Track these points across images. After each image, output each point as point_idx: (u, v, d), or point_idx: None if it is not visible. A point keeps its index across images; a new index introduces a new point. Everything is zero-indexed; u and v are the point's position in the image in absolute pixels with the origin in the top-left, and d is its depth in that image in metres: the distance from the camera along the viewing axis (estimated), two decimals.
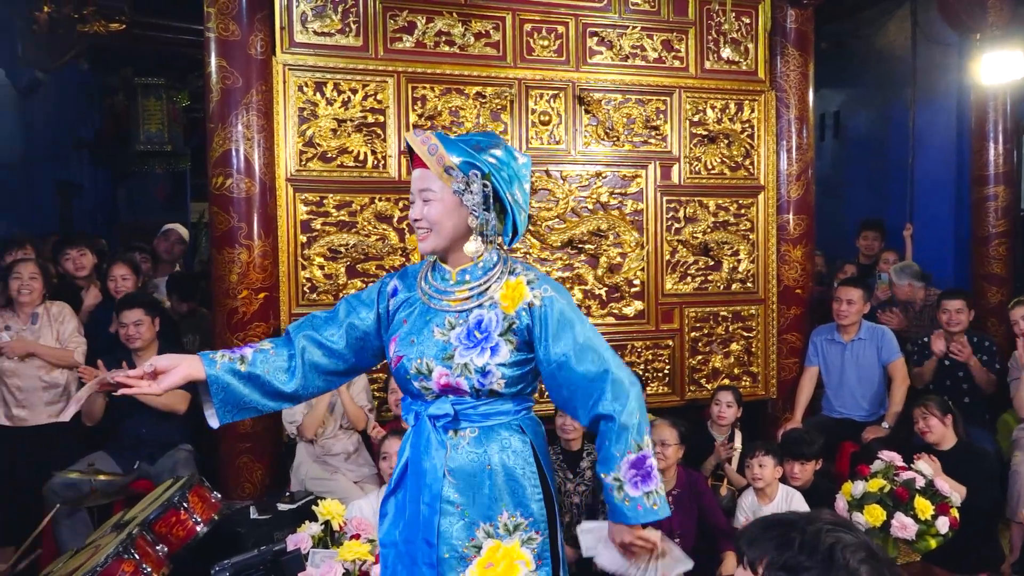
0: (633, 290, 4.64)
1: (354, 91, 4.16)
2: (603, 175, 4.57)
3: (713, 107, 4.75)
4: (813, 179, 5.00)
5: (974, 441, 4.20)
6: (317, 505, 3.11)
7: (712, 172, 4.78)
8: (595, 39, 4.55)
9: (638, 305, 4.66)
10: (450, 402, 1.95)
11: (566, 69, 4.50)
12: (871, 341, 4.68)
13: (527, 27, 4.43)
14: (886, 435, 4.38)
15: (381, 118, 4.20)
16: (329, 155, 4.14)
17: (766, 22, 4.82)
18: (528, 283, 1.96)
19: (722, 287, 4.83)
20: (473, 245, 1.94)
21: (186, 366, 1.93)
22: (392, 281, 2.11)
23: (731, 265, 4.82)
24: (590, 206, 4.55)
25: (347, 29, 4.15)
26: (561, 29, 4.49)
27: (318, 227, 4.15)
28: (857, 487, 3.55)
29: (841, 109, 8.36)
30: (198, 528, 3.07)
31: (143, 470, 3.95)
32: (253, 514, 3.59)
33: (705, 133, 4.74)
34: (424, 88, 4.27)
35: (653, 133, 4.65)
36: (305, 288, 4.14)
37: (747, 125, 4.82)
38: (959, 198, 6.38)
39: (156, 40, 6.90)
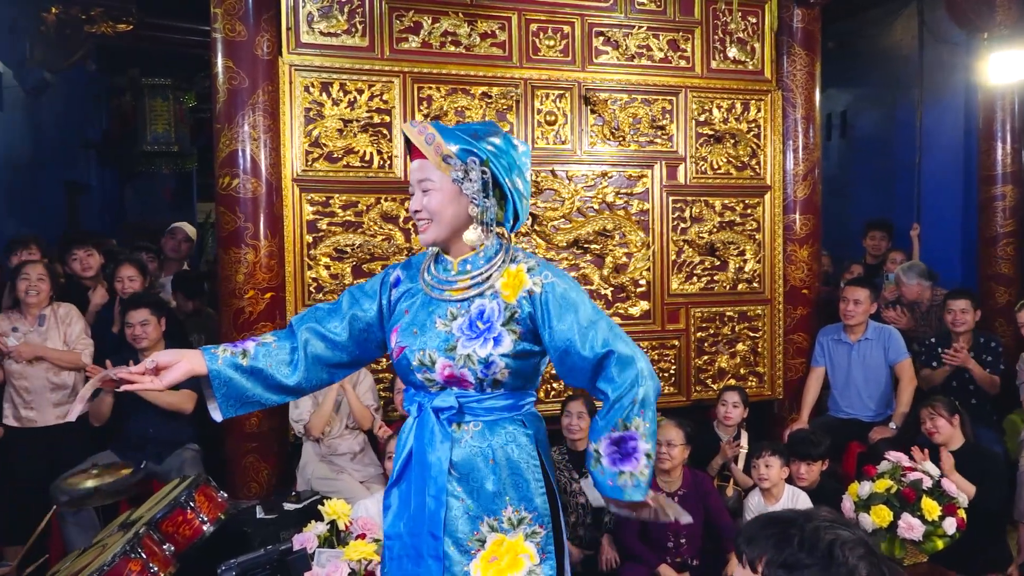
0: (639, 290, 4.64)
1: (360, 91, 4.17)
2: (609, 175, 4.56)
3: (719, 107, 4.74)
4: (820, 179, 4.99)
5: (981, 442, 4.19)
6: (323, 505, 3.12)
7: (718, 172, 4.77)
8: (601, 39, 4.55)
9: (644, 305, 4.65)
10: (455, 395, 1.94)
11: (572, 69, 4.50)
12: (878, 341, 4.66)
13: (533, 27, 4.43)
14: (893, 436, 4.37)
15: (387, 118, 4.21)
16: (335, 155, 4.15)
17: (773, 22, 4.81)
18: (528, 270, 1.95)
19: (728, 287, 4.82)
20: (473, 233, 1.92)
21: (188, 361, 1.93)
22: (395, 271, 2.10)
23: (737, 265, 4.82)
24: (596, 206, 4.55)
25: (353, 29, 4.16)
26: (567, 29, 4.49)
27: (324, 227, 4.16)
28: (864, 488, 3.54)
29: (848, 109, 8.34)
30: (204, 527, 3.08)
31: (150, 469, 3.96)
32: (259, 513, 3.61)
33: (711, 133, 4.73)
34: (430, 88, 4.27)
35: (659, 133, 4.65)
36: (311, 288, 4.14)
37: (753, 125, 4.82)
38: (966, 198, 6.35)
39: (163, 41, 6.93)
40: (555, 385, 4.42)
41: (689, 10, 4.68)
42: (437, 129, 1.93)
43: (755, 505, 3.73)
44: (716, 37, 4.72)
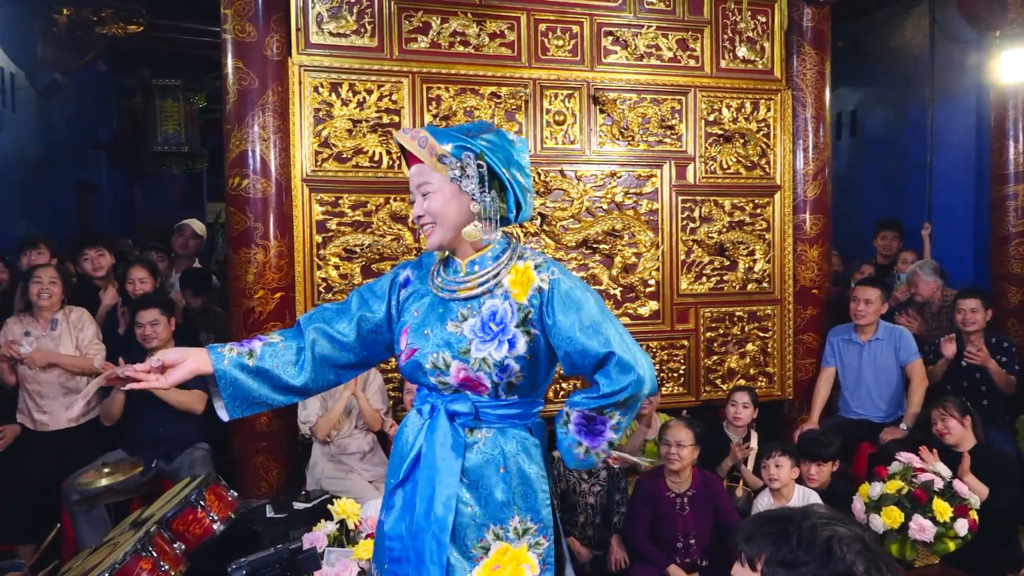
0: (648, 290, 4.63)
1: (369, 92, 4.18)
2: (618, 175, 4.56)
3: (729, 106, 4.73)
4: (830, 178, 4.97)
5: (993, 443, 4.16)
6: (332, 504, 3.13)
7: (728, 172, 4.76)
8: (610, 39, 4.54)
9: (653, 305, 4.64)
10: (471, 400, 1.93)
11: (581, 69, 4.49)
12: (889, 341, 4.64)
13: (542, 27, 4.43)
14: (904, 436, 4.35)
15: (396, 118, 4.21)
16: (344, 155, 4.16)
17: (782, 21, 4.79)
18: (536, 267, 1.93)
19: (738, 287, 4.80)
20: (473, 228, 1.90)
21: (194, 360, 1.91)
22: (405, 271, 2.09)
23: (747, 265, 4.80)
24: (605, 206, 4.54)
25: (362, 30, 4.17)
26: (576, 29, 4.48)
27: (333, 227, 4.16)
28: (874, 489, 3.53)
29: (858, 108, 8.29)
30: (215, 526, 3.09)
31: (160, 468, 3.98)
32: (269, 513, 3.61)
33: (721, 132, 4.72)
34: (439, 88, 4.27)
35: (668, 133, 4.64)
36: (320, 288, 4.15)
37: (763, 124, 4.80)
38: (978, 197, 6.31)
39: (173, 42, 6.96)
40: (564, 385, 4.42)
41: (698, 9, 4.66)
42: (429, 132, 1.93)
43: (765, 506, 3.72)
44: (725, 36, 4.71)
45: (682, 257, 4.69)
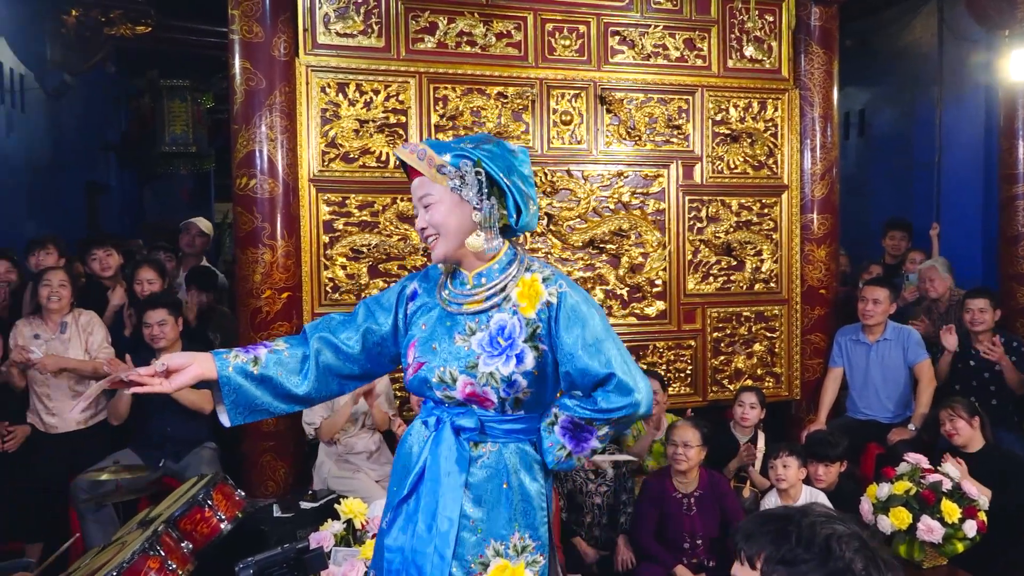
0: (655, 290, 4.62)
1: (376, 92, 4.19)
2: (625, 175, 4.55)
3: (736, 106, 4.72)
4: (838, 178, 4.95)
5: (1002, 444, 4.14)
6: (339, 504, 3.13)
7: (735, 171, 4.75)
8: (617, 38, 4.54)
9: (660, 305, 4.64)
10: (477, 415, 1.92)
11: (588, 69, 4.49)
12: (897, 342, 4.62)
13: (549, 27, 4.43)
14: (912, 437, 4.33)
15: (403, 119, 4.22)
16: (351, 155, 4.17)
17: (790, 20, 4.78)
18: (544, 280, 1.92)
19: (745, 287, 4.79)
20: (477, 239, 1.90)
21: (198, 366, 1.90)
22: (412, 284, 2.08)
23: (754, 265, 4.79)
24: (611, 206, 4.54)
25: (369, 30, 4.17)
26: (583, 29, 4.48)
27: (340, 227, 4.17)
28: (882, 489, 3.51)
29: (866, 107, 8.27)
30: (222, 525, 3.10)
31: (168, 468, 4.00)
32: (276, 512, 3.62)
33: (728, 132, 4.71)
34: (446, 88, 4.28)
35: (675, 132, 4.63)
36: (327, 288, 4.16)
37: (770, 124, 4.79)
38: (987, 197, 6.28)
39: (181, 43, 7.00)
40: None
41: (705, 9, 4.66)
42: (428, 144, 1.94)
43: (772, 506, 3.71)
44: (733, 36, 4.70)
45: (689, 257, 4.68)
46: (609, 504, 3.97)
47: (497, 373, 1.87)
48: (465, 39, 4.32)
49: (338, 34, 4.13)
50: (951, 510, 3.34)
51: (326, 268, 4.16)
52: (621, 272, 4.55)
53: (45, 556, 3.79)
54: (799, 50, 4.81)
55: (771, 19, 4.77)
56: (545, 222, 4.44)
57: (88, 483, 3.67)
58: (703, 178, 4.68)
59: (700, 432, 3.68)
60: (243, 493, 3.36)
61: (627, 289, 4.58)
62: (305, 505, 3.66)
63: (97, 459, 3.87)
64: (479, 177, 1.89)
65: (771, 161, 4.81)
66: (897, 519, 3.38)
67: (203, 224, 5.88)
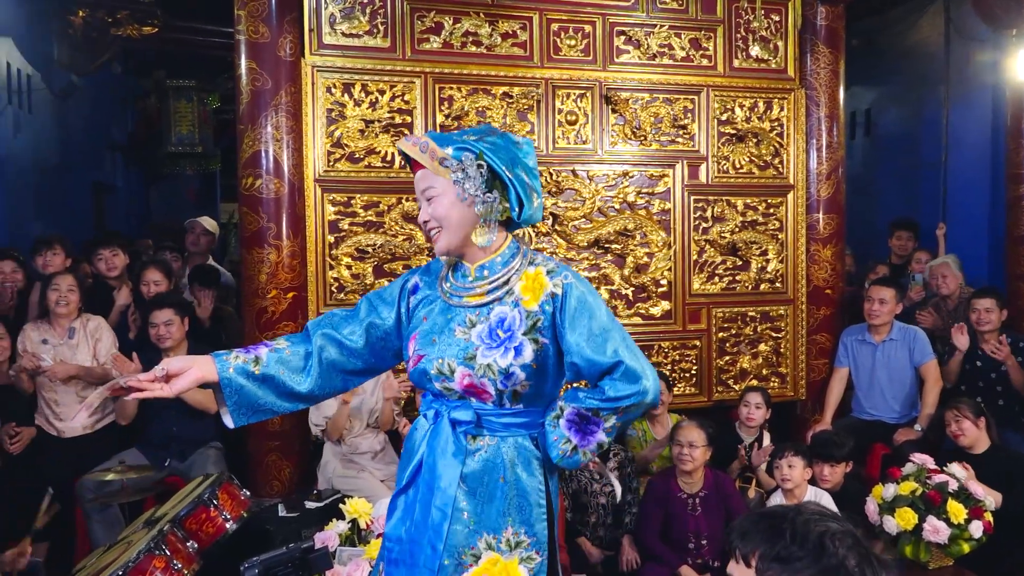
0: (660, 290, 4.62)
1: (382, 92, 4.19)
2: (630, 174, 4.55)
3: (742, 106, 4.71)
4: (843, 178, 4.94)
5: (1008, 444, 4.12)
6: (344, 503, 3.13)
7: (740, 171, 4.74)
8: (622, 38, 4.53)
9: (665, 305, 4.63)
10: (473, 408, 1.92)
11: (593, 69, 4.49)
12: (903, 342, 4.61)
13: (554, 27, 4.43)
14: (918, 437, 4.32)
15: (408, 119, 4.22)
16: (357, 156, 4.17)
17: (796, 19, 4.77)
18: (548, 272, 1.92)
19: (750, 287, 4.78)
20: (482, 235, 1.91)
21: (198, 368, 1.89)
22: (414, 277, 2.08)
23: (759, 265, 4.78)
24: (617, 206, 4.53)
25: (375, 30, 4.18)
26: (588, 28, 4.48)
27: (346, 227, 4.18)
28: (888, 490, 3.50)
29: (872, 107, 8.25)
30: (227, 525, 3.10)
31: (173, 467, 4.01)
32: (281, 512, 3.62)
33: (733, 132, 4.70)
34: (451, 88, 4.28)
35: (681, 132, 4.63)
36: (333, 288, 4.17)
37: (776, 124, 4.78)
38: (994, 196, 6.26)
39: (187, 43, 7.01)
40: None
41: (711, 9, 4.65)
42: (431, 137, 1.93)
43: None
44: (738, 35, 4.69)
45: (694, 257, 4.68)
46: (614, 504, 3.96)
47: (495, 365, 1.86)
48: (470, 39, 4.32)
49: (344, 34, 4.14)
50: (957, 511, 3.33)
51: (331, 268, 4.17)
52: (626, 272, 4.55)
53: (51, 556, 3.81)
54: (805, 50, 4.80)
55: (777, 19, 4.76)
56: (550, 222, 4.44)
57: (94, 483, 3.68)
58: (708, 178, 4.68)
59: (705, 432, 3.68)
60: (248, 493, 3.37)
61: (632, 289, 4.58)
62: (310, 505, 3.66)
63: (104, 460, 3.88)
64: (481, 170, 1.88)
65: (777, 161, 4.80)
66: (903, 520, 3.37)
67: (208, 223, 5.88)
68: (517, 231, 2.04)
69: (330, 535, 3.02)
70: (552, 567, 1.97)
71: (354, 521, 3.09)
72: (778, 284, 4.83)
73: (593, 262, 4.52)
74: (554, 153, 4.43)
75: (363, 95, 4.16)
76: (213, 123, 8.62)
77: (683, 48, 4.62)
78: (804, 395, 4.90)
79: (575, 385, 1.98)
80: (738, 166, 4.73)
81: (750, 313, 4.80)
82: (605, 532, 3.96)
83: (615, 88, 4.49)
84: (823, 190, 4.84)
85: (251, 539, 3.27)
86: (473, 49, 4.32)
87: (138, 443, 4.08)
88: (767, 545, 1.27)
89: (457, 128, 4.24)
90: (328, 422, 3.91)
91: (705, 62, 4.66)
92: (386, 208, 4.22)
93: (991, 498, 3.50)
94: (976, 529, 3.33)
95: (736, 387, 4.74)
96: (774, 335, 4.84)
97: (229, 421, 1.94)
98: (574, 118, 4.46)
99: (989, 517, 3.38)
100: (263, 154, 3.99)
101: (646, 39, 4.54)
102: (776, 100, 4.77)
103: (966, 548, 3.35)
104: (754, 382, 4.73)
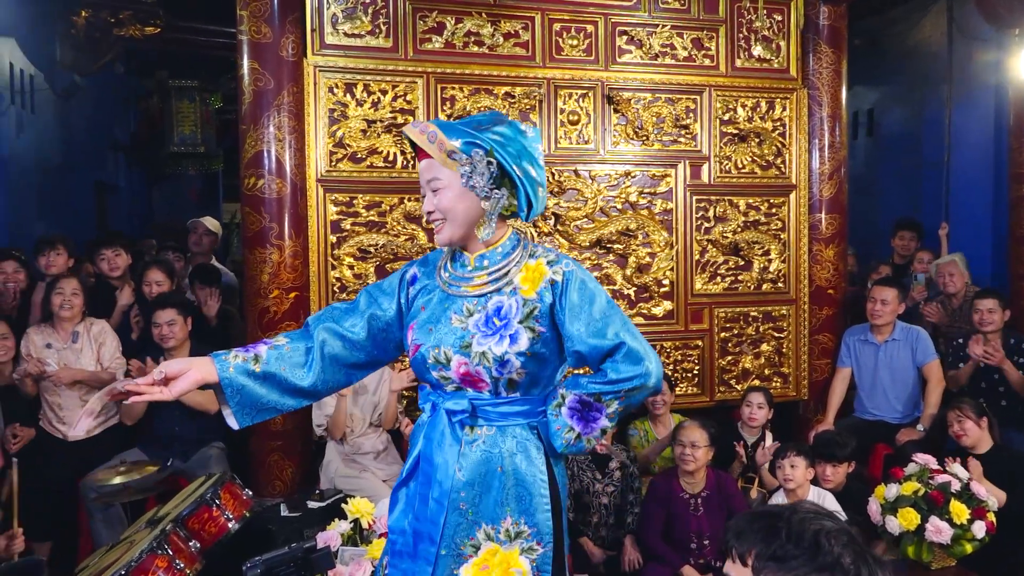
0: (662, 290, 4.62)
1: (384, 92, 4.19)
2: (632, 174, 4.55)
3: (744, 105, 4.71)
4: (846, 178, 4.94)
5: (1011, 444, 4.12)
6: (346, 503, 3.14)
7: (743, 171, 4.74)
8: (624, 38, 4.53)
9: (667, 305, 4.63)
10: (468, 397, 1.91)
11: (595, 68, 4.48)
12: (905, 342, 4.60)
13: (556, 27, 4.42)
14: (920, 438, 4.31)
15: (410, 119, 4.22)
16: (359, 156, 4.17)
17: (798, 19, 4.76)
18: (548, 263, 1.92)
19: (752, 287, 4.78)
20: (487, 230, 1.91)
21: (197, 370, 1.88)
22: (412, 268, 2.08)
23: (762, 265, 4.78)
24: (619, 205, 4.53)
25: (377, 30, 4.18)
26: (590, 28, 4.48)
27: (348, 227, 4.18)
28: (891, 490, 3.50)
29: (875, 106, 8.24)
30: (230, 525, 3.11)
31: (176, 467, 4.01)
32: (284, 511, 3.63)
33: (736, 132, 4.70)
34: (453, 88, 4.28)
35: (683, 132, 4.62)
36: (335, 288, 4.17)
37: (779, 123, 4.78)
38: (996, 196, 6.26)
39: (190, 43, 7.01)
40: None
41: (713, 8, 4.65)
42: (439, 126, 1.91)
43: None
44: (741, 35, 4.69)
45: (696, 257, 4.68)
46: (616, 504, 3.96)
47: (490, 353, 1.86)
48: (473, 39, 4.32)
49: (346, 34, 4.14)
50: (960, 511, 3.32)
51: (333, 268, 4.17)
52: (628, 272, 4.55)
53: (53, 555, 3.82)
54: (807, 49, 4.79)
55: (779, 18, 4.75)
56: (552, 222, 4.44)
57: (96, 483, 3.68)
58: (711, 178, 4.67)
59: (707, 432, 3.67)
60: (250, 492, 3.37)
61: (634, 289, 4.57)
62: (312, 504, 3.67)
63: (106, 461, 3.89)
64: (490, 167, 1.87)
65: (779, 161, 4.79)
66: (905, 520, 3.37)
67: (210, 223, 5.89)
68: (513, 219, 2.02)
69: (332, 535, 3.03)
70: (558, 558, 1.95)
71: (356, 521, 3.09)
72: (780, 284, 4.83)
73: (595, 262, 4.52)
74: (556, 153, 4.43)
75: (365, 95, 4.17)
76: (215, 123, 8.62)
77: (685, 48, 4.62)
78: (806, 395, 4.90)
79: (576, 372, 1.97)
80: (740, 166, 4.73)
81: (752, 313, 4.79)
82: (607, 532, 3.96)
83: (617, 88, 4.49)
84: (825, 190, 4.83)
85: (253, 539, 3.28)
86: (475, 49, 4.32)
87: (140, 443, 4.09)
88: (763, 544, 1.28)
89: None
90: (328, 420, 3.92)
91: (707, 62, 4.65)
92: (388, 208, 4.22)
93: (994, 498, 3.49)
94: (979, 529, 3.32)
95: (738, 387, 4.74)
96: (776, 335, 4.84)
97: (233, 422, 1.93)
98: (576, 118, 4.46)
99: (992, 517, 3.38)
100: (265, 154, 3.99)
101: (648, 39, 4.54)
102: (778, 100, 4.77)
103: (969, 548, 3.34)
104: (756, 382, 4.72)
